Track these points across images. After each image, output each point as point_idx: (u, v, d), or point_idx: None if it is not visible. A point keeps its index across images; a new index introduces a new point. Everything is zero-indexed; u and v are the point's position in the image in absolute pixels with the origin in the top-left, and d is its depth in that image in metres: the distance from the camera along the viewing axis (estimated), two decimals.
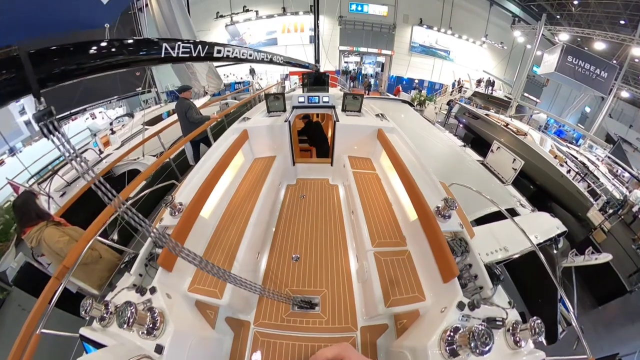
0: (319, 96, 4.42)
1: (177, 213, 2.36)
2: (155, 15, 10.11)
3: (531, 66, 22.59)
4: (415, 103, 21.80)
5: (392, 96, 11.32)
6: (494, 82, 22.24)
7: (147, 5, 10.44)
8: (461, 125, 16.27)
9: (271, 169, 3.66)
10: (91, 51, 1.29)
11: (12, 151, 11.76)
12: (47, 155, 7.88)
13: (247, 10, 24.63)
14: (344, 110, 4.40)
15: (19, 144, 12.82)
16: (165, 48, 1.73)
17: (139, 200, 3.36)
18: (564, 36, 17.80)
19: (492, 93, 21.29)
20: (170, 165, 6.11)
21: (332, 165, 4.21)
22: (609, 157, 14.36)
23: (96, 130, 11.81)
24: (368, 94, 26.40)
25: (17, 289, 3.91)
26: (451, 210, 2.27)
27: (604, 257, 5.09)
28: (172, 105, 10.52)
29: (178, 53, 1.83)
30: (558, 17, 23.90)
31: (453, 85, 24.17)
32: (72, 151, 1.04)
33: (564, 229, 4.62)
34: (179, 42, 1.84)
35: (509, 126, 12.14)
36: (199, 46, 2.05)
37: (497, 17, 25.09)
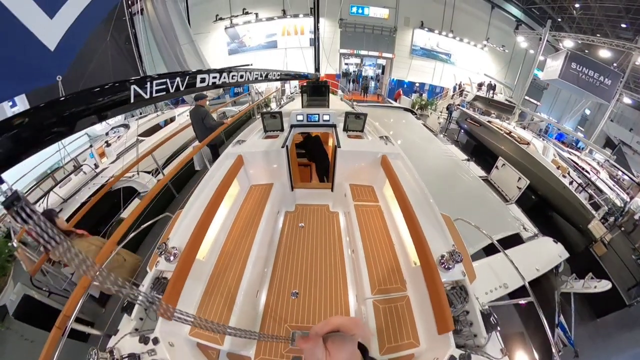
0: (319, 114, 4.26)
1: (172, 259, 2.31)
2: (151, 20, 10.02)
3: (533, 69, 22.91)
4: (416, 108, 21.75)
5: (393, 103, 11.11)
6: (495, 85, 22.15)
7: (142, 10, 10.35)
8: (462, 132, 16.16)
9: (269, 198, 3.54)
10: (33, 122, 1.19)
11: None
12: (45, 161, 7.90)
13: (247, 13, 24.40)
14: (345, 129, 4.22)
15: None
16: (135, 90, 1.58)
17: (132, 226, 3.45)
18: (568, 43, 17.58)
19: (493, 97, 21.19)
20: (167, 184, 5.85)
21: (332, 190, 4.01)
22: (609, 162, 14.21)
23: (94, 135, 11.88)
24: (365, 97, 26.34)
25: (17, 321, 3.86)
26: (455, 262, 2.21)
27: (603, 286, 5.05)
28: (171, 114, 10.94)
29: (152, 92, 1.67)
30: (559, 19, 23.88)
31: (454, 88, 24.16)
32: (56, 239, 0.78)
33: (566, 255, 4.50)
34: (150, 80, 1.68)
35: (511, 134, 11.99)
36: (177, 78, 1.90)
37: (499, 20, 25.22)
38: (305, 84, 5.98)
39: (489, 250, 4.22)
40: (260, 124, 4.48)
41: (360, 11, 24.53)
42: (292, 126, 4.22)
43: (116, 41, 10.31)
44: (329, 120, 4.26)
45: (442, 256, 2.24)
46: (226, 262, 2.65)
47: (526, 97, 21.79)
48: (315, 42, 7.46)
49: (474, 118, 14.64)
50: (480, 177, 8.01)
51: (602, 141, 22.33)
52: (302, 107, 5.58)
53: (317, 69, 7.57)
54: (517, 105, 15.47)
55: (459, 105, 18.76)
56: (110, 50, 8.24)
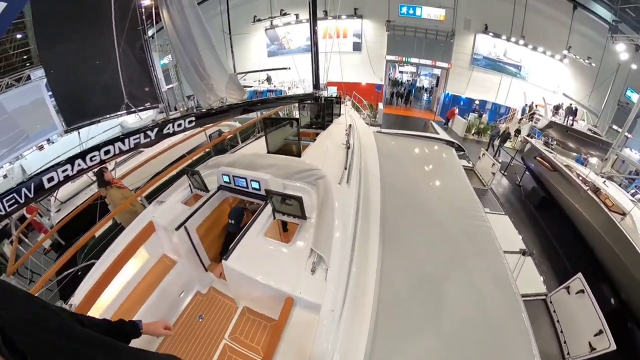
0: (246, 178, 3.75)
1: None
2: (167, 28, 10.10)
3: (625, 90, 19.18)
4: (472, 132, 19.12)
5: (432, 134, 8.83)
6: (576, 109, 18.60)
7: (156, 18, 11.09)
8: (528, 172, 13.43)
9: (166, 276, 3.57)
10: None
11: (50, 141, 18.51)
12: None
13: (285, 14, 24.20)
14: (276, 210, 3.38)
15: (55, 136, 18.24)
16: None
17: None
18: None
19: (572, 124, 17.83)
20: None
21: None
22: None
23: (128, 128, 13.51)
24: (408, 105, 24.16)
25: None
26: None
27: None
28: None
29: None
30: None
31: (523, 110, 20.98)
32: None
33: None
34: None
35: (599, 193, 9.29)
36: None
37: (583, 23, 20.84)
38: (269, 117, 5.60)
39: None
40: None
41: (411, 12, 22.60)
42: (219, 188, 4.04)
43: (131, 50, 10.46)
44: (258, 189, 3.66)
45: None
46: None
47: (613, 126, 18.35)
48: (312, 49, 6.55)
49: (547, 157, 11.88)
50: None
51: None
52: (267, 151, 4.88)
53: (317, 86, 6.87)
54: (612, 147, 11.60)
55: (525, 137, 15.84)
56: (123, 60, 9.25)
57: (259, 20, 25.11)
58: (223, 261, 2.92)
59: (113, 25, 9.06)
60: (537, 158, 12.54)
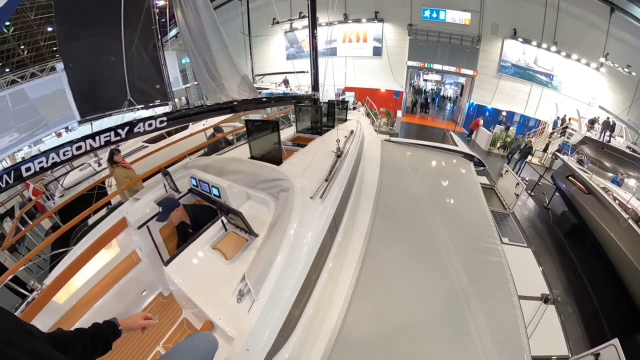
0: (208, 183, 3.80)
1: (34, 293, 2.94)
2: (181, 28, 10.59)
3: None
4: (498, 145, 17.98)
5: (447, 145, 7.88)
6: (614, 124, 17.16)
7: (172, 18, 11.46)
8: (558, 193, 12.25)
9: (128, 272, 3.72)
10: None
11: (68, 129, 20.67)
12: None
13: (305, 17, 23.47)
14: (227, 222, 3.28)
15: (75, 124, 19.64)
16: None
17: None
18: None
19: (609, 141, 16.40)
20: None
21: None
22: None
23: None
24: (426, 112, 23.23)
25: None
26: None
27: None
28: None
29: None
30: None
31: (555, 123, 19.60)
32: None
33: None
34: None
35: None
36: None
37: (622, 28, 19.08)
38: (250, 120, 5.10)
39: None
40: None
41: (434, 15, 21.73)
42: (189, 190, 4.22)
43: (145, 49, 11.18)
44: (218, 196, 3.70)
45: None
46: (77, 317, 3.19)
47: None
48: (310, 53, 6.35)
49: (581, 178, 10.71)
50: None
51: None
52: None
53: (316, 87, 6.61)
54: None
55: (556, 154, 14.58)
56: (137, 58, 10.36)
57: (277, 22, 24.94)
58: (163, 267, 2.86)
59: (122, 23, 9.81)
60: (570, 178, 11.41)
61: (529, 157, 16.43)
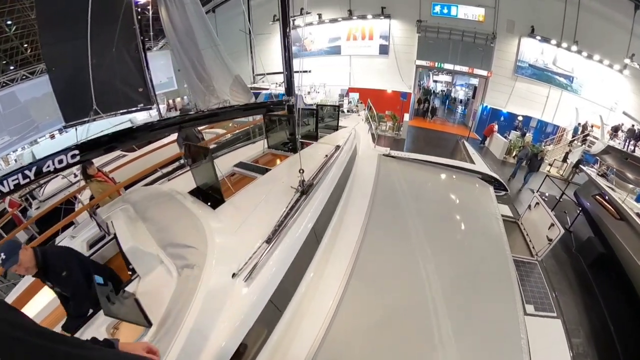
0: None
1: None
2: (165, 26, 10.27)
3: None
4: (514, 154, 16.86)
5: (461, 163, 6.59)
6: (639, 132, 16.12)
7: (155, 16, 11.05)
8: (582, 213, 11.12)
9: None
10: None
11: (61, 131, 19.86)
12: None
13: (307, 13, 23.41)
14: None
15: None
16: None
17: None
18: None
19: (634, 150, 15.30)
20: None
21: None
22: None
23: (136, 123, 15.62)
24: (432, 119, 22.27)
25: None
26: None
27: None
28: None
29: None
30: None
31: (575, 130, 18.44)
32: None
33: None
34: None
35: None
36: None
37: None
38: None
39: None
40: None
41: (445, 11, 20.76)
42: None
43: (127, 50, 10.80)
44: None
45: None
46: None
47: None
48: (283, 53, 5.56)
49: (611, 199, 9.63)
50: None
51: None
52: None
53: (289, 91, 5.51)
54: None
55: (582, 167, 13.46)
56: (117, 60, 9.84)
57: (277, 19, 23.56)
58: None
59: (88, 23, 8.57)
60: (597, 197, 10.36)
61: (542, 167, 15.26)
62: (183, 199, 3.54)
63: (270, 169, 4.52)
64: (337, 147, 5.08)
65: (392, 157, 6.73)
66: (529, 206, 7.42)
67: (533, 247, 6.43)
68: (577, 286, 8.31)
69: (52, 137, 21.15)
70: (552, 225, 6.23)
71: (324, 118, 7.73)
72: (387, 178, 5.78)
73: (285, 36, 5.26)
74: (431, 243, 4.14)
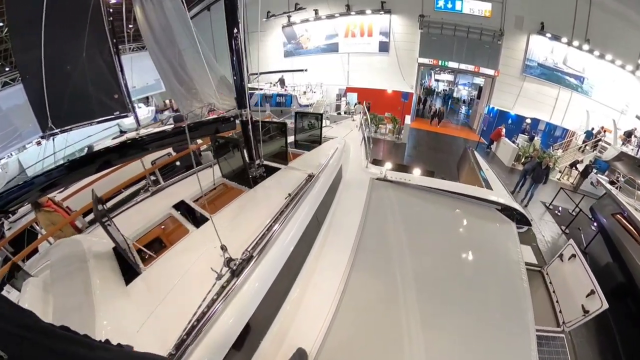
0: None
1: None
2: (139, 22, 8.62)
3: None
4: (522, 161, 16.06)
5: (473, 192, 5.43)
6: None
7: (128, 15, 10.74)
8: (599, 232, 10.24)
9: None
10: None
11: (44, 137, 17.21)
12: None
13: (300, 9, 23.02)
14: None
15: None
16: None
17: None
18: None
19: None
20: None
21: None
22: None
23: (126, 128, 15.62)
24: (439, 124, 21.58)
25: None
26: None
27: None
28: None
29: None
30: None
31: (589, 135, 17.73)
32: None
33: None
34: None
35: None
36: None
37: None
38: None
39: None
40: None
41: (449, 5, 20.09)
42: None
43: (100, 55, 10.39)
44: None
45: None
46: None
47: None
48: (231, 54, 4.62)
49: (634, 220, 8.84)
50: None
51: None
52: None
53: (241, 103, 4.96)
54: None
55: (599, 179, 12.70)
56: (90, 65, 9.49)
57: (272, 16, 23.50)
58: None
59: (43, 24, 8.58)
60: (617, 216, 9.58)
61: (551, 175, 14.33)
62: (94, 267, 2.70)
63: (207, 220, 3.19)
64: (310, 176, 4.02)
65: (388, 180, 5.64)
66: (561, 255, 5.44)
67: (560, 312, 4.70)
68: (592, 321, 7.27)
69: (39, 144, 20.43)
70: (593, 292, 4.41)
71: (303, 128, 6.57)
72: (379, 214, 4.76)
73: (232, 38, 4.39)
74: (428, 310, 3.29)
